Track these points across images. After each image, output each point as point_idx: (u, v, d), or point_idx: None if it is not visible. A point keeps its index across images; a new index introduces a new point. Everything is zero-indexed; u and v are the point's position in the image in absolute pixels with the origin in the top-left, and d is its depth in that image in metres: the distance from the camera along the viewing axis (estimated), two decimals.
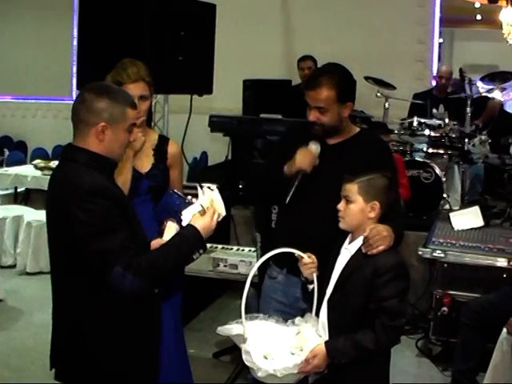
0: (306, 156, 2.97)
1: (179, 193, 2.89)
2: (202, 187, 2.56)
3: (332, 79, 2.96)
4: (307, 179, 3.03)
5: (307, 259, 2.71)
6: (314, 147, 2.99)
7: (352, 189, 2.70)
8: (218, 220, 2.53)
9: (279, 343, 2.66)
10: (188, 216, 2.51)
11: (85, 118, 2.38)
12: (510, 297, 4.07)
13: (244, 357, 2.51)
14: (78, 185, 2.29)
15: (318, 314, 2.73)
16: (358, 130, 3.19)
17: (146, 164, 3.17)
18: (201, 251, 2.44)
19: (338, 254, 2.79)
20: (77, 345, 2.43)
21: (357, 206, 2.70)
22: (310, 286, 2.76)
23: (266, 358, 2.58)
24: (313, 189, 3.01)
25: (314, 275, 2.70)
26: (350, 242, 2.76)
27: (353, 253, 2.71)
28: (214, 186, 2.59)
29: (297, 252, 2.69)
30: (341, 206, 2.73)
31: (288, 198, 3.02)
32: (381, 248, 2.64)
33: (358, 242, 2.71)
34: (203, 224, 2.46)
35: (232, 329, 2.60)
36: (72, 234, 2.28)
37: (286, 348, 2.65)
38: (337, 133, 3.07)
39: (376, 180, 2.72)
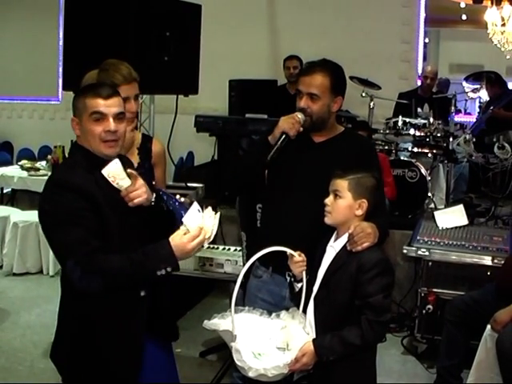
0: (290, 119, 3.00)
1: (168, 192, 2.91)
2: (203, 207, 2.44)
3: (328, 69, 3.04)
4: (292, 177, 3.07)
5: (298, 257, 2.71)
6: (300, 115, 3.01)
7: (343, 184, 2.72)
8: (204, 243, 2.40)
9: (265, 337, 2.67)
10: (187, 220, 2.39)
11: None
12: (494, 294, 4.10)
13: (235, 356, 2.53)
14: (50, 178, 2.46)
15: (305, 312, 2.75)
16: (342, 129, 3.23)
17: None
18: (168, 269, 2.35)
19: (323, 251, 2.80)
20: (77, 341, 2.52)
21: (345, 202, 2.72)
22: (298, 285, 2.78)
23: (254, 355, 2.58)
24: (298, 187, 3.03)
25: (304, 273, 2.72)
26: (335, 240, 2.78)
27: (338, 250, 2.74)
28: (216, 215, 2.46)
29: (288, 250, 2.69)
30: (328, 200, 2.74)
31: (268, 158, 3.00)
32: (365, 245, 2.67)
33: (343, 239, 2.73)
34: (179, 243, 2.36)
35: (219, 324, 2.61)
36: (41, 224, 2.41)
37: (271, 342, 2.67)
38: (323, 127, 3.09)
39: (365, 179, 2.75)
